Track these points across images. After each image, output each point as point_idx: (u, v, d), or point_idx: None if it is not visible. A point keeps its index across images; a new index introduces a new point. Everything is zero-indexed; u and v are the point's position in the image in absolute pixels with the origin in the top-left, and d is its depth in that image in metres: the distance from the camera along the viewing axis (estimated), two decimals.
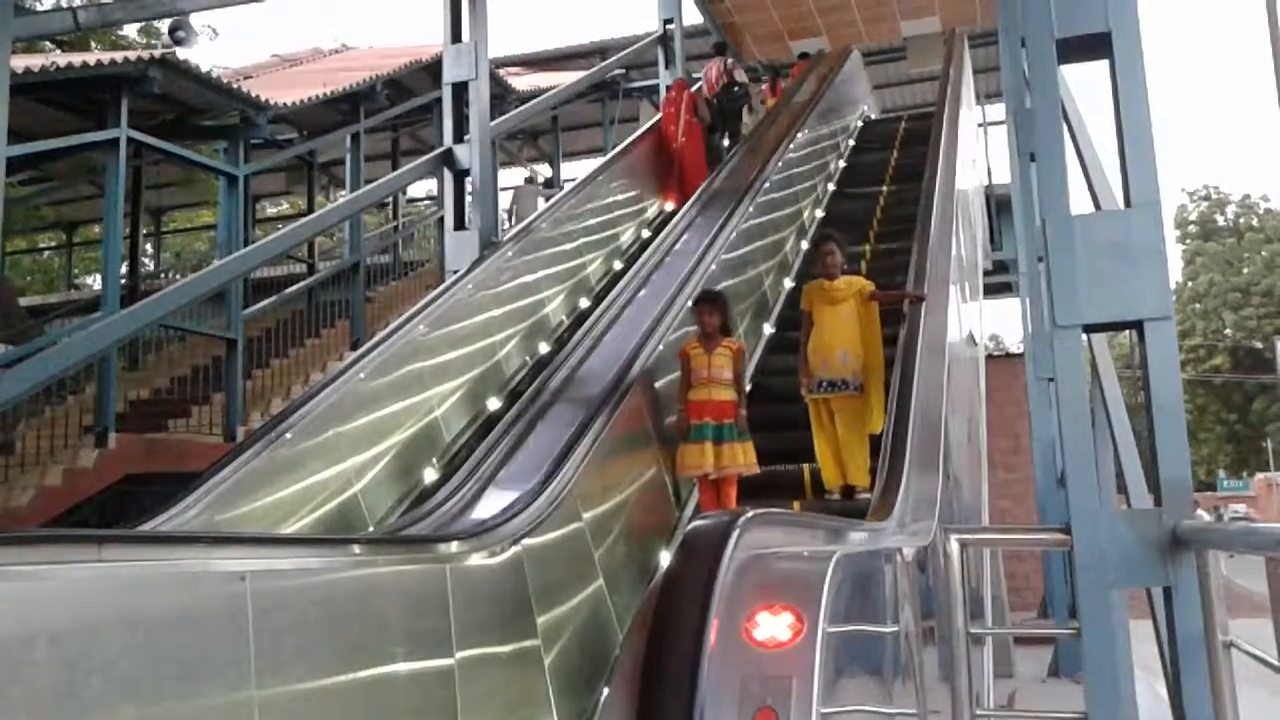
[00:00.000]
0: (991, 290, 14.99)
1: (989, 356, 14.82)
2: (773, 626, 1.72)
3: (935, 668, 3.82)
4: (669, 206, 10.68)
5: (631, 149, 10.70)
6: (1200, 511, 4.27)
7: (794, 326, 8.62)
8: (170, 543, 3.06)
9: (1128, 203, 4.20)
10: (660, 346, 6.50)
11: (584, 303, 8.07)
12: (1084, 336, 4.32)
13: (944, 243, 7.85)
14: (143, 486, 8.56)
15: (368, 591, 3.10)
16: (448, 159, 7.97)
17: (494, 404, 6.41)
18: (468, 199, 7.93)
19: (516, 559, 4.40)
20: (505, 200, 15.28)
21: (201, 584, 2.71)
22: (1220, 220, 51.78)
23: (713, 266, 7.73)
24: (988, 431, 10.06)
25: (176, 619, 2.65)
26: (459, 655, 3.65)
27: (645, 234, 9.86)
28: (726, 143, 11.94)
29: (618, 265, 8.82)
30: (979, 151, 16.09)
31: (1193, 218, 51.67)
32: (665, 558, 5.92)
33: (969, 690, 4.16)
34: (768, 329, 8.44)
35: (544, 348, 7.16)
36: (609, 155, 10.47)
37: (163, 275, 18.36)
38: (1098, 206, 4.67)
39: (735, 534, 1.83)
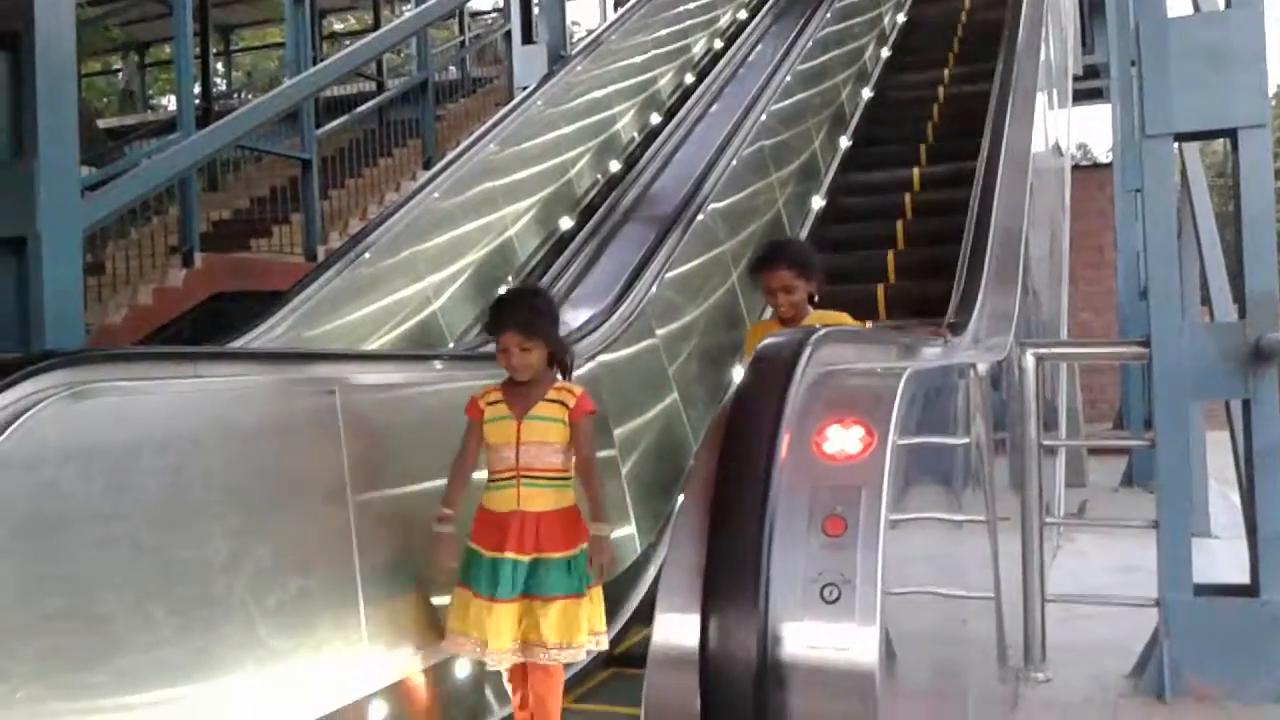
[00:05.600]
0: (1081, 96, 14.33)
1: (1075, 166, 14.32)
2: (843, 440, 1.76)
3: (1006, 478, 3.88)
4: None
5: None
6: None
7: (873, 142, 8.43)
8: (262, 359, 3.19)
9: (1227, 2, 3.97)
10: (734, 162, 6.41)
11: (655, 118, 7.93)
12: (1175, 145, 4.17)
13: (1032, 48, 7.51)
14: (230, 305, 8.81)
15: (451, 404, 3.21)
16: None
17: (566, 223, 6.42)
18: (535, 10, 7.73)
19: (592, 374, 4.51)
20: (571, 11, 14.81)
21: (293, 397, 2.84)
22: None
23: (788, 78, 7.51)
24: (1071, 244, 9.81)
25: (271, 430, 2.80)
26: None
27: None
28: None
29: (689, 79, 8.60)
30: None
31: None
32: (738, 374, 5.95)
33: (1039, 499, 4.23)
34: (844, 142, 8.25)
35: (615, 166, 7.10)
36: None
37: (235, 95, 18.37)
38: (1196, 7, 4.40)
39: (807, 351, 1.85)
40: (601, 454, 4.45)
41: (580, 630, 2.94)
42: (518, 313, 3.06)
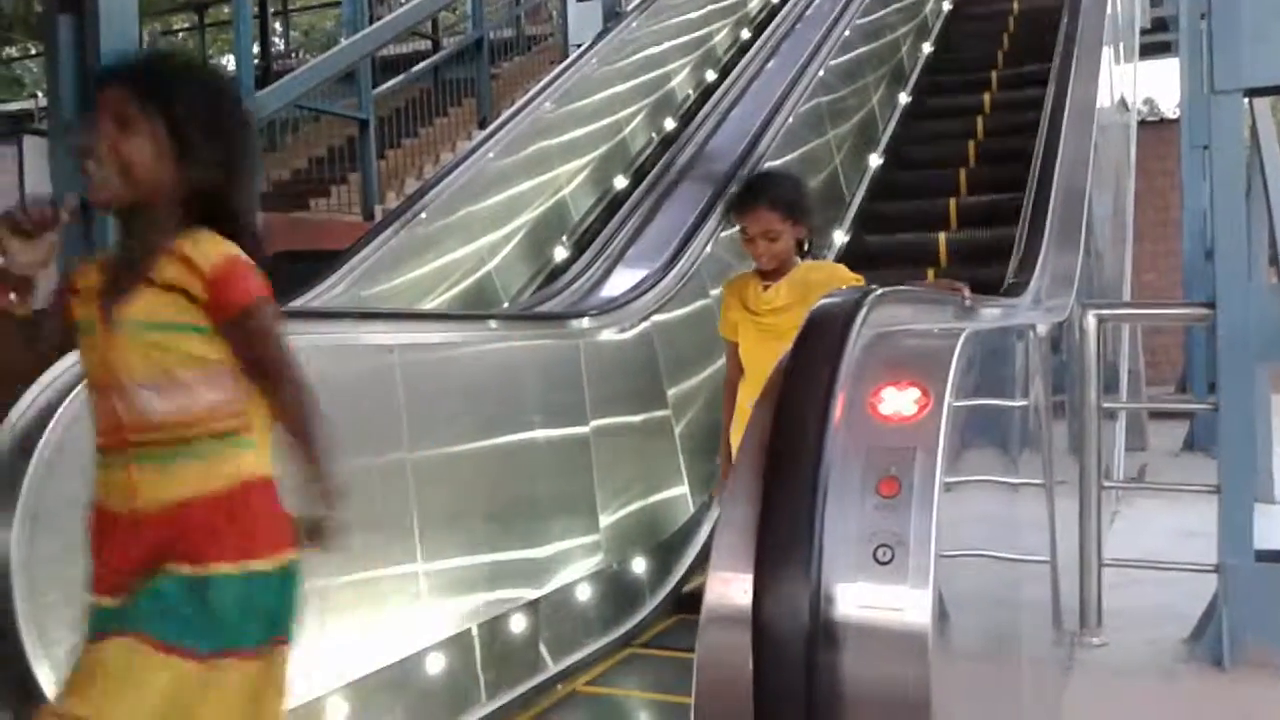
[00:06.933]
0: (1148, 50, 13.96)
1: (1141, 123, 13.97)
2: (898, 401, 1.75)
3: (1065, 441, 3.84)
4: None
5: None
6: None
7: (934, 91, 8.29)
8: (322, 318, 3.23)
9: None
10: (790, 119, 6.34)
11: (710, 75, 7.85)
12: (1245, 101, 4.06)
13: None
14: (290, 263, 8.92)
15: (506, 364, 3.25)
16: None
17: (621, 182, 6.40)
18: None
19: (646, 334, 4.51)
20: None
21: (353, 356, 2.88)
22: None
23: (846, 32, 7.40)
24: (1136, 202, 9.61)
25: (330, 389, 2.84)
26: (593, 423, 3.83)
27: None
28: None
29: (745, 34, 8.50)
30: None
31: None
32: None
33: (1098, 462, 4.17)
34: (904, 98, 8.13)
35: (670, 124, 7.06)
36: None
37: (293, 55, 18.49)
38: None
39: (863, 312, 1.83)
40: (656, 414, 4.47)
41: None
42: (135, 67, 1.63)
